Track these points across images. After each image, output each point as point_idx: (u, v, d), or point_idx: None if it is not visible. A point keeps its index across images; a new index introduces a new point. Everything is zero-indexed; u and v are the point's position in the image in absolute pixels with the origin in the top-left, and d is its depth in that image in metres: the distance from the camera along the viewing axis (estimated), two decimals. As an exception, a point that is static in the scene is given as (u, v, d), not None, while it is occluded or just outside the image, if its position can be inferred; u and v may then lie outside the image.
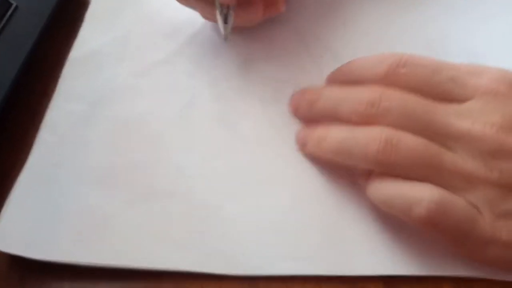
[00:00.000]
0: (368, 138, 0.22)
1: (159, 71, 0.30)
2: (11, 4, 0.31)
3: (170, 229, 0.23)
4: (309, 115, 0.26)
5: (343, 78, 0.26)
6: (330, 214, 0.24)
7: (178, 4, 0.33)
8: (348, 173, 0.24)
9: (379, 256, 0.22)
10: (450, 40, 0.31)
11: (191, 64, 0.31)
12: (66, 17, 0.34)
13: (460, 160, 0.21)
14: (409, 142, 0.21)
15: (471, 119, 0.21)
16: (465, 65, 0.23)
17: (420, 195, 0.20)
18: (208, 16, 0.30)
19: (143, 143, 0.27)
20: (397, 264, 0.22)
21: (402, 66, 0.23)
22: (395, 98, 0.22)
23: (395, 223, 0.23)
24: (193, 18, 0.33)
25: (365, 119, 0.23)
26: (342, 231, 0.23)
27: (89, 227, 0.23)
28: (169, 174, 0.25)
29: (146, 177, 0.25)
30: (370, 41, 0.32)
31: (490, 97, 0.21)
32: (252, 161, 0.26)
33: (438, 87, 0.22)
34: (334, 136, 0.24)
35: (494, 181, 0.20)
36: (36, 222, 0.24)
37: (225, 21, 0.27)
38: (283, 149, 0.26)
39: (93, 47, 0.31)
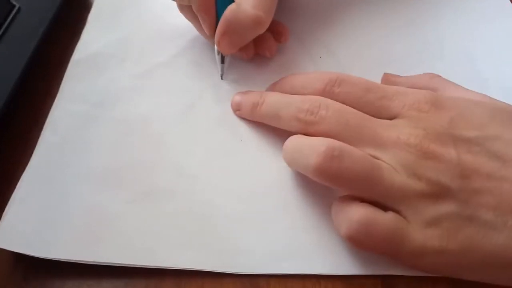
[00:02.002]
0: (311, 149, 0.22)
1: (161, 73, 0.31)
2: (14, 6, 0.31)
3: (171, 227, 0.24)
4: (251, 116, 0.28)
5: (282, 91, 0.27)
6: (330, 214, 0.24)
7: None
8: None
9: (377, 256, 0.22)
10: (447, 42, 0.32)
11: (192, 66, 0.31)
12: (69, 19, 0.34)
13: (395, 173, 0.21)
14: (351, 154, 0.22)
15: (397, 131, 0.22)
16: (393, 87, 0.25)
17: (347, 214, 0.21)
18: (201, 32, 0.31)
19: (144, 144, 0.27)
20: (395, 264, 0.22)
21: (337, 86, 0.25)
22: (332, 108, 0.23)
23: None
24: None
25: (304, 126, 0.24)
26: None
27: (92, 225, 0.24)
28: (171, 174, 0.26)
29: (148, 177, 0.26)
30: (368, 41, 0.32)
31: (413, 114, 0.23)
32: (252, 161, 0.26)
33: (368, 105, 0.24)
34: (286, 147, 0.24)
35: (423, 190, 0.21)
36: (39, 221, 0.24)
37: (222, 61, 0.29)
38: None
39: (96, 49, 0.32)
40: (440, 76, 0.27)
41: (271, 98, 0.26)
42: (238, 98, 0.28)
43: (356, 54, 0.31)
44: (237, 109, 0.28)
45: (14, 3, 0.31)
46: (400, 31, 0.33)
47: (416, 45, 0.32)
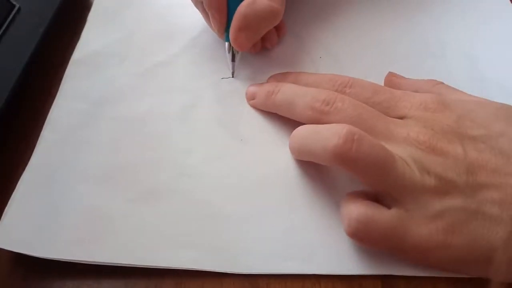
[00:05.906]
0: (330, 132, 0.22)
1: (160, 72, 0.31)
2: (14, 6, 0.31)
3: (171, 227, 0.24)
4: (264, 104, 0.28)
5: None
6: (329, 214, 0.24)
7: (179, 7, 0.34)
8: (347, 174, 0.25)
9: (377, 256, 0.23)
10: (448, 43, 0.32)
11: (192, 65, 0.31)
12: (69, 19, 0.34)
13: (407, 166, 0.22)
14: (369, 140, 0.22)
15: (407, 129, 0.23)
16: (400, 91, 0.26)
17: (348, 211, 0.22)
18: (208, 22, 0.31)
19: (144, 143, 0.27)
20: (395, 264, 0.22)
21: (349, 87, 0.26)
22: (348, 102, 0.24)
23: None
24: (194, 21, 0.33)
25: (318, 115, 0.24)
26: (341, 231, 0.23)
27: (92, 225, 0.24)
28: (171, 173, 0.26)
29: (148, 176, 0.26)
30: (368, 41, 0.32)
31: (420, 114, 0.24)
32: (253, 161, 0.26)
33: (376, 105, 0.25)
34: (297, 133, 0.25)
35: (431, 185, 0.21)
36: (39, 220, 0.24)
37: (233, 59, 0.30)
38: (283, 150, 0.27)
39: (96, 48, 0.32)
40: (443, 83, 0.27)
41: (286, 87, 0.27)
42: (253, 88, 0.29)
43: (356, 54, 0.31)
44: (251, 98, 0.29)
45: (14, 3, 0.32)
46: (400, 31, 0.33)
47: (416, 45, 0.32)
